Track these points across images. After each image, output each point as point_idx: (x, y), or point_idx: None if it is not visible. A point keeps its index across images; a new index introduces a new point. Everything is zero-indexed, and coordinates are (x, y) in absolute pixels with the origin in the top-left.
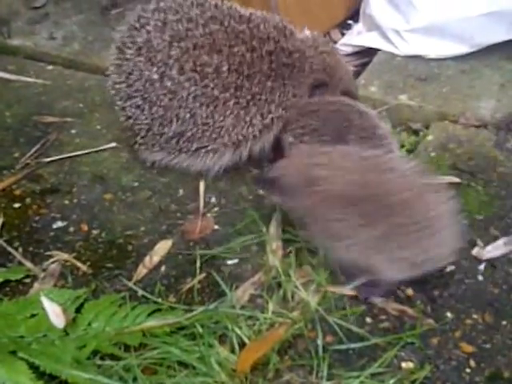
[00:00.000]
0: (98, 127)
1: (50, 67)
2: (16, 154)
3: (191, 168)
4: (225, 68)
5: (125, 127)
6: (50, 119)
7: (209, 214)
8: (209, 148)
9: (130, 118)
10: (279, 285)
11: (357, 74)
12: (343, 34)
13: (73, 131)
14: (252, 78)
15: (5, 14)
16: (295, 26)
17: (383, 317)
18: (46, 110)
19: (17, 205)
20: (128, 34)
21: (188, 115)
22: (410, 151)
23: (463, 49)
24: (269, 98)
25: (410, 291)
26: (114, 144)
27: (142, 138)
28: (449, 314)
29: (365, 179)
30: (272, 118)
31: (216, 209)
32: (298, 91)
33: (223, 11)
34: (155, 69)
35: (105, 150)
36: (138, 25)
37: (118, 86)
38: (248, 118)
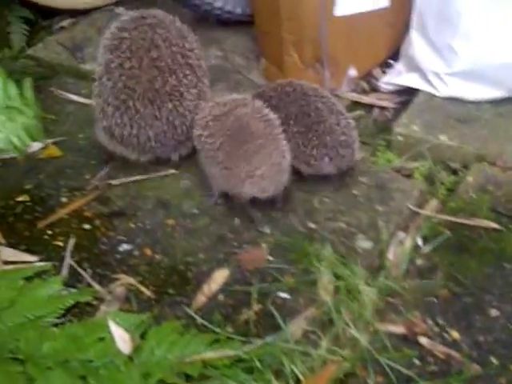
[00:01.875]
0: None
1: None
2: (87, 176)
3: None
4: None
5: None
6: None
7: (263, 244)
8: None
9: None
10: (331, 321)
11: (397, 112)
12: (384, 72)
13: None
14: None
15: (79, 40)
16: (342, 63)
17: (431, 359)
18: None
19: (87, 226)
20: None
21: None
22: (450, 190)
23: (500, 93)
24: None
25: (455, 334)
26: (174, 170)
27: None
28: (494, 360)
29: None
30: None
31: (270, 239)
32: None
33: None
34: None
35: (167, 175)
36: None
37: None
38: None
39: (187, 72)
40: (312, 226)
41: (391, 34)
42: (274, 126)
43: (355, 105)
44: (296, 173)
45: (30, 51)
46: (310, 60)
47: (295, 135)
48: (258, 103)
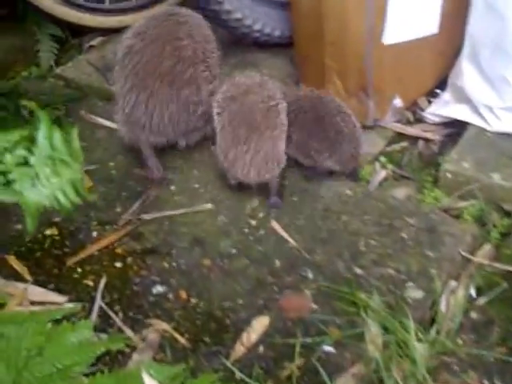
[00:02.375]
0: (196, 185)
1: None
2: (118, 209)
3: None
4: None
5: (220, 186)
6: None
7: (306, 291)
8: None
9: None
10: (380, 380)
11: (444, 145)
12: (430, 102)
13: (172, 188)
14: None
15: (110, 60)
16: (387, 92)
17: None
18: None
19: (118, 264)
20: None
21: None
22: (504, 234)
23: None
24: None
25: None
26: (210, 205)
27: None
28: None
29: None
30: None
31: (313, 285)
32: None
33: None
34: None
35: (202, 211)
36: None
37: None
38: None
39: (204, 69)
40: (358, 271)
41: (439, 62)
42: (276, 114)
43: (399, 136)
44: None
45: (58, 70)
46: (353, 89)
47: (300, 128)
48: (272, 89)
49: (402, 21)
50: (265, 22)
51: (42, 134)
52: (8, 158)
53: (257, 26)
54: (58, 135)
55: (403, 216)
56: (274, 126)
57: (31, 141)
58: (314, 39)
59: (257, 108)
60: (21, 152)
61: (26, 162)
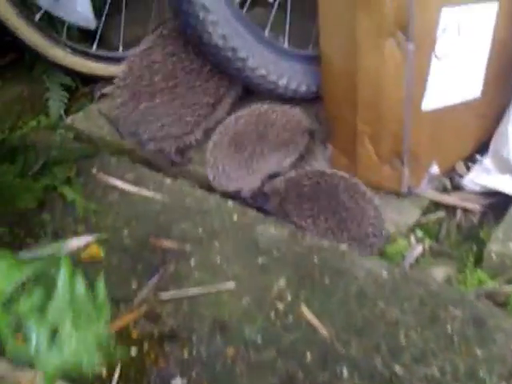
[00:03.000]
0: (218, 260)
1: (169, 181)
2: (133, 285)
3: None
4: None
5: (244, 261)
6: (169, 244)
7: None
8: None
9: None
10: None
11: (484, 216)
12: (468, 167)
13: (192, 262)
14: None
15: None
16: (424, 159)
17: None
18: (165, 232)
19: (134, 350)
20: None
21: None
22: None
23: None
24: None
25: None
26: (233, 284)
27: None
28: None
29: None
30: None
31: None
32: None
33: None
34: None
35: (224, 291)
36: None
37: None
38: None
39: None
40: (398, 369)
41: (480, 125)
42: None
43: (436, 205)
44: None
45: (68, 120)
46: (387, 155)
47: (325, 229)
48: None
49: (443, 86)
50: (290, 76)
51: (61, 281)
52: (22, 302)
53: (282, 82)
54: (81, 284)
55: (446, 304)
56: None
57: (47, 279)
58: (345, 101)
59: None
60: (36, 296)
61: (41, 308)
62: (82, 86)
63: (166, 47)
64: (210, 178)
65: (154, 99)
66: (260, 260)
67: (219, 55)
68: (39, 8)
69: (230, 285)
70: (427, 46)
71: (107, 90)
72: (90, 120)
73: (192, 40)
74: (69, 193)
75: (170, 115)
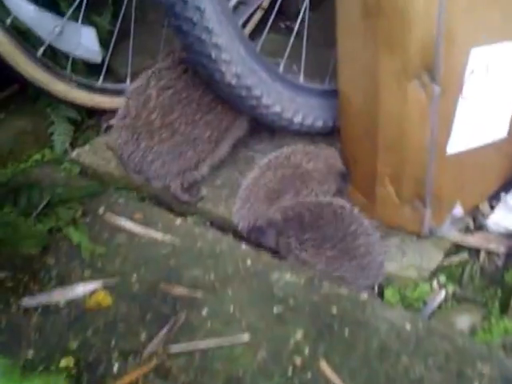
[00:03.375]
0: (231, 308)
1: (179, 221)
2: (142, 336)
3: None
4: None
5: (259, 310)
6: (179, 291)
7: None
8: None
9: None
10: None
11: (509, 258)
12: (492, 207)
13: (203, 311)
14: None
15: None
16: (446, 200)
17: None
18: (175, 277)
19: None
20: None
21: None
22: None
23: None
24: None
25: None
26: (248, 336)
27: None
28: None
29: None
30: None
31: None
32: None
33: None
34: None
35: (239, 344)
36: None
37: None
38: None
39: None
40: None
41: (505, 165)
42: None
43: (458, 247)
44: None
45: (74, 154)
46: (408, 196)
47: (330, 257)
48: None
49: (469, 128)
50: (306, 112)
51: None
52: None
53: (297, 119)
54: None
55: (474, 360)
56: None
57: None
58: (364, 141)
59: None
60: None
61: None
62: (88, 118)
63: (161, 81)
64: (243, 230)
65: (153, 138)
66: (276, 309)
67: (233, 94)
68: (42, 42)
69: (245, 337)
70: (454, 87)
71: (114, 121)
72: (96, 154)
73: (203, 78)
74: (74, 235)
75: (170, 152)
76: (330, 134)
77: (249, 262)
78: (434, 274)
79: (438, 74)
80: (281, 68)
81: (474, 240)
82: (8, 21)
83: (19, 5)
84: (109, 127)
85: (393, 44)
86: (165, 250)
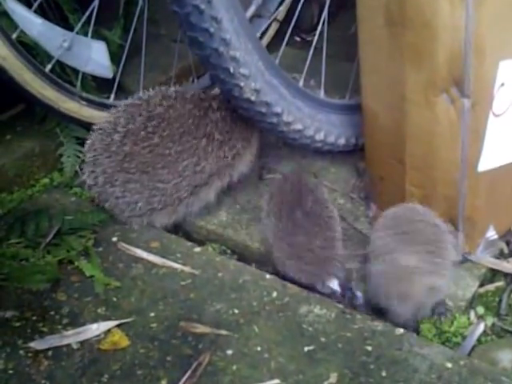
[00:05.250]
0: (258, 348)
1: (198, 249)
2: (163, 381)
3: None
4: None
5: (288, 351)
6: (202, 329)
7: None
8: None
9: None
10: None
11: None
12: None
13: (228, 351)
14: None
15: None
16: (480, 222)
17: None
18: (196, 313)
19: None
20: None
21: None
22: None
23: None
24: None
25: None
26: (278, 382)
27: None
28: None
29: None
30: None
31: None
32: None
33: None
34: None
35: None
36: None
37: None
38: None
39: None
40: None
41: None
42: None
43: (494, 273)
44: None
45: (84, 177)
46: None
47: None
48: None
49: (502, 144)
50: (328, 130)
51: None
52: None
53: (319, 136)
54: None
55: None
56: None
57: None
58: (392, 160)
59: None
60: None
61: None
62: None
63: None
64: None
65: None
66: (306, 348)
67: (252, 110)
68: (50, 58)
69: (275, 383)
70: (483, 101)
71: None
72: None
73: (222, 94)
74: (87, 267)
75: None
76: (353, 152)
77: (274, 294)
78: (471, 303)
79: (468, 88)
80: (300, 83)
81: (509, 265)
82: (14, 35)
83: (26, 18)
84: None
85: (419, 56)
86: (184, 282)
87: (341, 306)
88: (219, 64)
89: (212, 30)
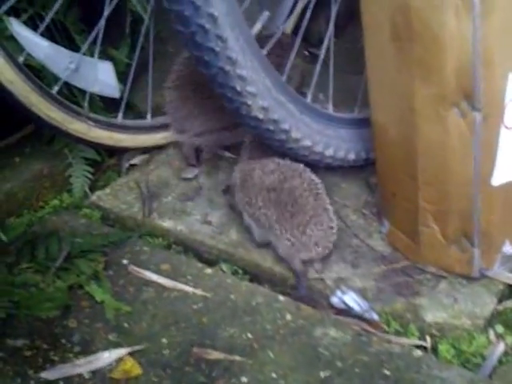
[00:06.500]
0: (273, 374)
1: (209, 270)
2: None
3: None
4: None
5: (304, 377)
6: (215, 355)
7: None
8: None
9: None
10: None
11: None
12: None
13: (243, 379)
14: None
15: (154, 185)
16: (496, 237)
17: None
18: (209, 338)
19: None
20: None
21: None
22: None
23: None
24: None
25: None
26: None
27: None
28: None
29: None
30: None
31: None
32: None
33: None
34: None
35: None
36: None
37: None
38: None
39: None
40: None
41: None
42: (322, 198)
43: (511, 289)
44: None
45: (94, 197)
46: (455, 235)
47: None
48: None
49: None
50: (337, 145)
51: None
52: None
53: (328, 152)
54: None
55: None
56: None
57: None
58: (404, 176)
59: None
60: None
61: None
62: (108, 158)
63: None
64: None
65: (198, 95)
66: (322, 374)
67: (259, 128)
68: (57, 79)
69: None
70: (494, 114)
71: (136, 160)
72: (117, 197)
73: (229, 111)
74: (97, 292)
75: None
76: (364, 167)
77: (288, 316)
78: (489, 321)
79: (478, 101)
80: (308, 98)
81: None
82: (21, 58)
83: (32, 41)
84: (131, 166)
85: (428, 70)
86: (196, 306)
87: (356, 326)
88: (226, 83)
89: (218, 49)
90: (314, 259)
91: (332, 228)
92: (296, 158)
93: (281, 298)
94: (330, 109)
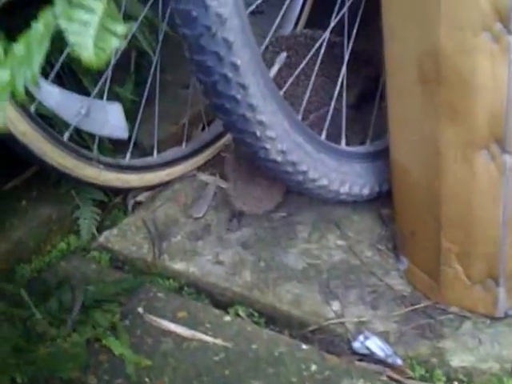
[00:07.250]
0: None
1: (228, 318)
2: None
3: None
4: None
5: None
6: None
7: None
8: None
9: None
10: None
11: None
12: None
13: None
14: None
15: (162, 223)
16: None
17: None
18: None
19: None
20: None
21: None
22: None
23: None
24: None
25: None
26: None
27: None
28: None
29: None
30: None
31: None
32: None
33: None
34: None
35: None
36: None
37: None
38: None
39: None
40: None
41: None
42: None
43: None
44: None
45: (101, 239)
46: (479, 275)
47: None
48: None
49: None
50: (352, 181)
51: None
52: None
53: (344, 189)
54: None
55: None
56: None
57: None
58: (425, 214)
59: None
60: None
61: None
62: (114, 197)
63: None
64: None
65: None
66: None
67: (277, 170)
68: (67, 126)
69: None
70: None
71: (141, 197)
72: (125, 237)
73: (246, 153)
74: (115, 345)
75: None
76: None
77: (313, 367)
78: None
79: (509, 145)
80: (323, 135)
81: None
82: (32, 108)
83: (44, 89)
84: (137, 204)
85: (456, 114)
86: (217, 357)
87: (383, 377)
88: (245, 129)
89: (239, 96)
90: None
91: None
92: (311, 196)
93: (304, 346)
94: (343, 144)
